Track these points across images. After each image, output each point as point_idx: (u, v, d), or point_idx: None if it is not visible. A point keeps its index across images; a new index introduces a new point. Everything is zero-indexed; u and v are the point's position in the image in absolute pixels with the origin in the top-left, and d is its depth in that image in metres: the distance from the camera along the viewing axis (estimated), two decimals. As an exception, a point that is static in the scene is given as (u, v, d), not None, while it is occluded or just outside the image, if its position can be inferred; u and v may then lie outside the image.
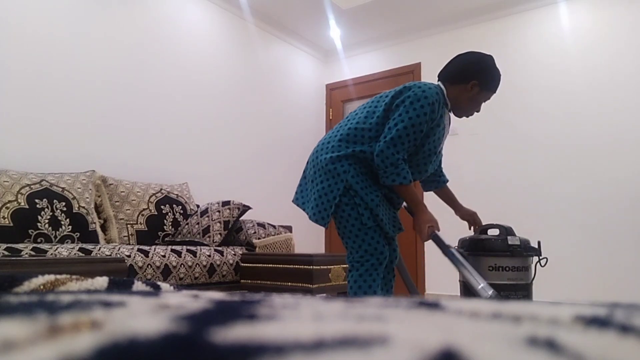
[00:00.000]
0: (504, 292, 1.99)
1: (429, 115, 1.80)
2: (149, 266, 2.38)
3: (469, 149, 4.19)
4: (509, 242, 2.00)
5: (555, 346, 0.26)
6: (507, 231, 2.06)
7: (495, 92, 1.96)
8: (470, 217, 2.20)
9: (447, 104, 1.93)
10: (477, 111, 2.00)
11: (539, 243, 2.05)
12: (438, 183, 2.22)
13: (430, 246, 4.02)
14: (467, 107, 1.96)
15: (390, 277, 2.07)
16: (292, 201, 2.07)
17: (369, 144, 1.85)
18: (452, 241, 2.13)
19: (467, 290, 2.12)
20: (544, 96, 3.91)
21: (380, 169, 1.81)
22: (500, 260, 2.00)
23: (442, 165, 2.25)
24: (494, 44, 4.19)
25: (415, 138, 1.80)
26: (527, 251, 2.02)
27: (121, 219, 2.90)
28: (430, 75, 4.50)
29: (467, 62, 1.93)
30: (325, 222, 1.88)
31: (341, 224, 1.89)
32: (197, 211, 3.20)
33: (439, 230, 1.88)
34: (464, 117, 2.02)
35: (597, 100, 3.69)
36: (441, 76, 1.97)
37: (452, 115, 2.24)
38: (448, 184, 2.28)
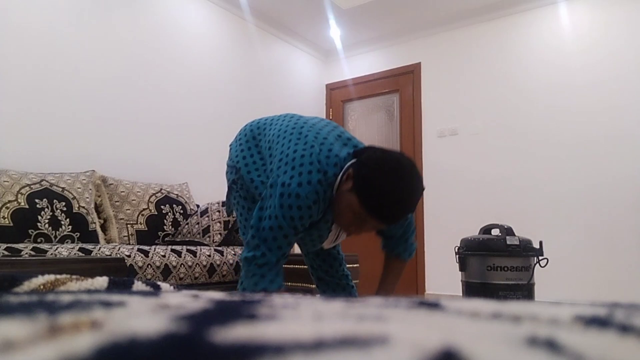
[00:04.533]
0: (502, 291, 1.99)
1: (310, 217, 1.43)
2: (149, 266, 2.38)
3: (469, 148, 4.19)
4: (508, 242, 2.00)
5: (555, 346, 0.26)
6: (506, 231, 2.06)
7: (377, 217, 1.33)
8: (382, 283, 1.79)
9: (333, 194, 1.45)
10: (356, 232, 1.46)
11: (540, 243, 2.05)
12: (394, 249, 1.75)
13: (430, 246, 4.01)
14: (337, 213, 1.46)
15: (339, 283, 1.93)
16: None
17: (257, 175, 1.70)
18: (454, 240, 2.13)
19: (469, 291, 2.12)
20: (545, 96, 3.91)
21: (243, 270, 1.46)
22: (499, 260, 2.00)
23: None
24: (493, 43, 4.19)
25: (296, 233, 1.45)
26: (526, 251, 2.02)
27: (121, 219, 2.90)
28: (430, 75, 4.50)
29: (372, 156, 1.39)
30: None
31: None
32: (197, 211, 3.20)
33: None
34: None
35: (598, 99, 3.69)
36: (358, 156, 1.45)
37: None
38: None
